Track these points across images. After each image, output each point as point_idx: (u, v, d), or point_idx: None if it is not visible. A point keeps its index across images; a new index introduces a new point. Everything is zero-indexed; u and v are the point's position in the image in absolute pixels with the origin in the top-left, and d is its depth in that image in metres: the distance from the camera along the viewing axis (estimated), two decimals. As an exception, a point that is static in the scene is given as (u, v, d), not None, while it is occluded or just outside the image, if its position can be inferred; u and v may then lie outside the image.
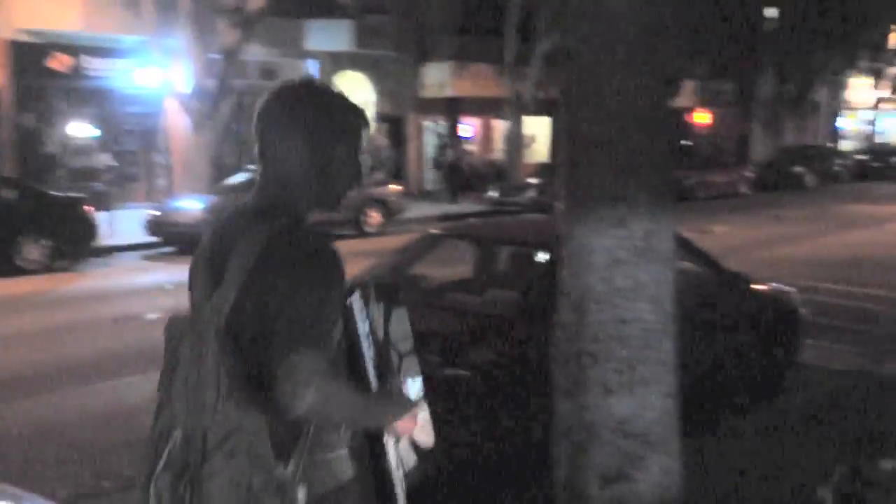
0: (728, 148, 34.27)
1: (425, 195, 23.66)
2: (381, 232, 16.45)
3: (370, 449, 1.89)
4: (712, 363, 5.65)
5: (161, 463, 1.74)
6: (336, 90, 1.93)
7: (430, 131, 25.88)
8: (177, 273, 8.56)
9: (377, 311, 1.91)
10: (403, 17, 21.88)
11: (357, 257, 5.29)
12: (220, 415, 1.68)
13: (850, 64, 38.85)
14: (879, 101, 39.16)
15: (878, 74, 37.79)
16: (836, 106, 41.98)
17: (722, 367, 5.79)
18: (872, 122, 39.88)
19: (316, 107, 1.87)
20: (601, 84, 3.30)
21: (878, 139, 42.37)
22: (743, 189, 26.33)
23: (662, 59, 3.33)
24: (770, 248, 14.56)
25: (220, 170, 17.38)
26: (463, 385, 4.23)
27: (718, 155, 30.19)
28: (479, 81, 24.30)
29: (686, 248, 5.77)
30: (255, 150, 1.89)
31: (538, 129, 26.63)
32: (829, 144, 35.71)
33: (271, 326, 1.69)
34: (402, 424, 1.87)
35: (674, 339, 3.45)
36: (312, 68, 21.64)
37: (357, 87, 23.00)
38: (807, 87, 33.79)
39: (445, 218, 17.57)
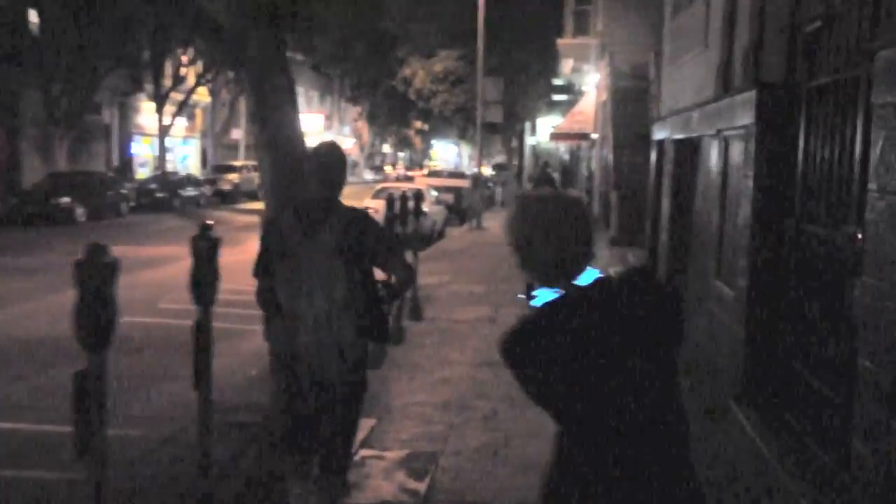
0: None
1: None
2: None
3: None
4: None
5: (311, 320, 3.76)
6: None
7: None
8: None
9: None
10: None
11: None
12: (343, 295, 3.76)
13: (137, 86, 36.34)
14: (167, 127, 37.38)
15: (162, 99, 35.87)
16: (129, 130, 39.11)
17: None
18: (164, 149, 37.90)
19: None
20: None
21: (176, 167, 40.70)
22: (-15, 227, 21.07)
23: None
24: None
25: None
26: None
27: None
28: None
29: None
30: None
31: None
32: (110, 173, 32.20)
33: (371, 246, 3.79)
34: None
35: None
36: None
37: None
38: (83, 107, 29.89)
39: None
